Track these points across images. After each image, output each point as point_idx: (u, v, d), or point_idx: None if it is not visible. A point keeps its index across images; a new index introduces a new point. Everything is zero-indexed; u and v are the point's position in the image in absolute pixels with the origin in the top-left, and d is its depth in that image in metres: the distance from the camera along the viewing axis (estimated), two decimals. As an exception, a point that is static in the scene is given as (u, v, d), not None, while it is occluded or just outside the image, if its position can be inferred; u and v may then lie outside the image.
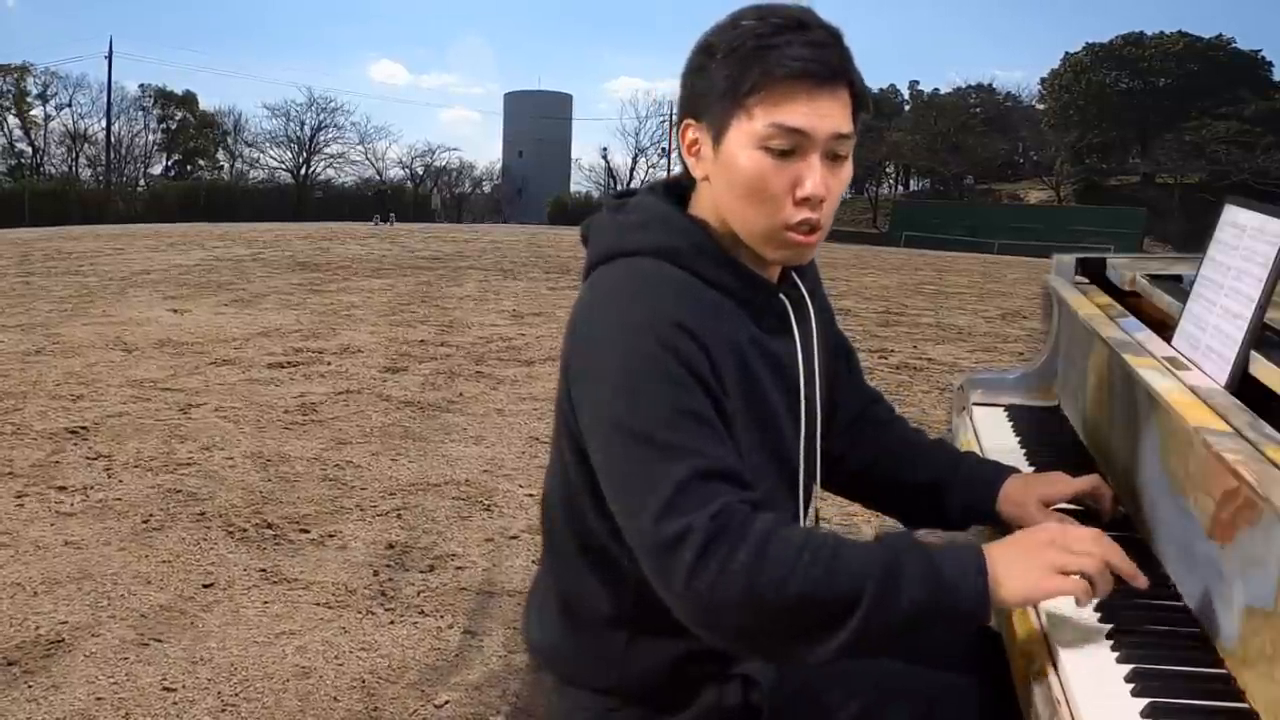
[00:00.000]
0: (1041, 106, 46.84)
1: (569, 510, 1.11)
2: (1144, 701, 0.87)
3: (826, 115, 1.02)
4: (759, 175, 1.03)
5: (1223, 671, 0.92)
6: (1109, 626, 1.00)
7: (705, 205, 1.11)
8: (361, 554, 3.10)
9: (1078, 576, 0.96)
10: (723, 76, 1.03)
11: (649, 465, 0.96)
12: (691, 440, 0.97)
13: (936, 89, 50.05)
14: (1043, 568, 0.96)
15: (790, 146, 1.02)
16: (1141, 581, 0.98)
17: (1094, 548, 0.97)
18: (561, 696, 1.16)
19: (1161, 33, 43.59)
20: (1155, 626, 1.00)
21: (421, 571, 2.98)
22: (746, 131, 1.03)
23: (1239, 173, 34.14)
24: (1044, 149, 45.23)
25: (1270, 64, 43.40)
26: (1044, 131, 45.03)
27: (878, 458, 1.32)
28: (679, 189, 1.16)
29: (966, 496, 1.26)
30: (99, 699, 2.19)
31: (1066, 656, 0.96)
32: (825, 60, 1.02)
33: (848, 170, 1.07)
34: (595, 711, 1.13)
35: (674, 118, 1.18)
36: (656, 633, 1.07)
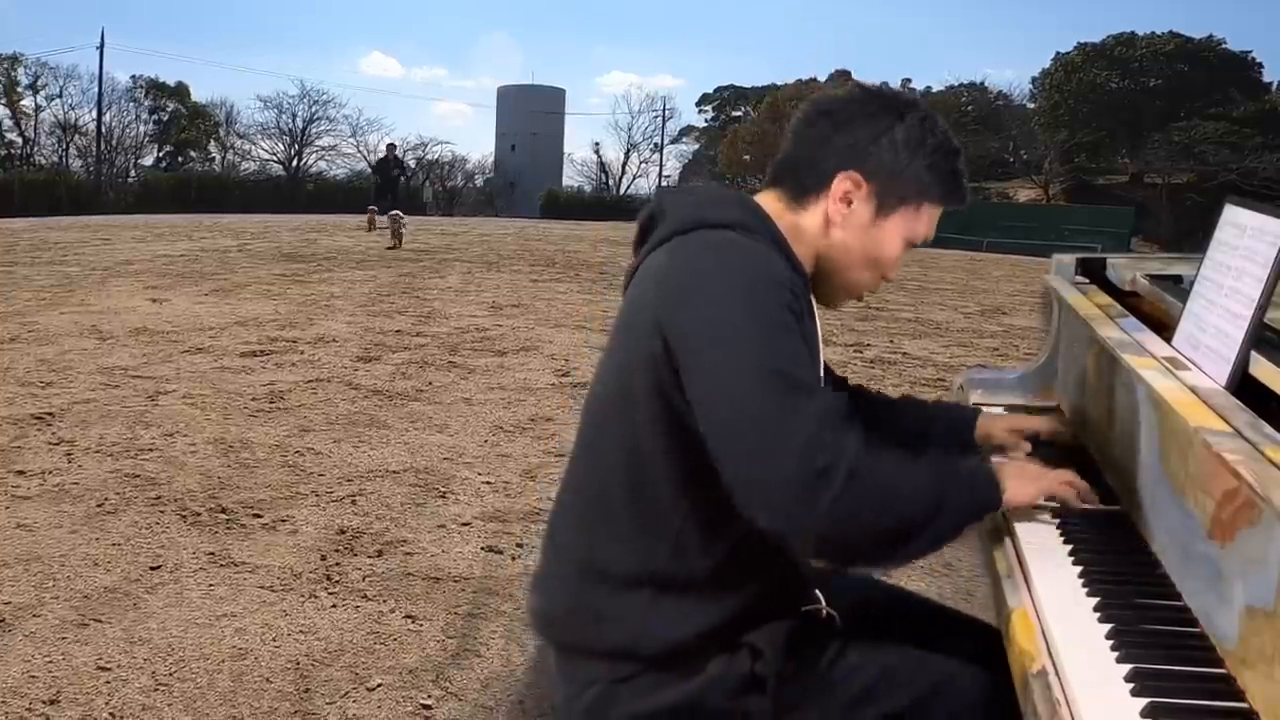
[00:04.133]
0: (1032, 105, 46.83)
1: (630, 467, 1.15)
2: (1144, 701, 0.87)
3: None
4: (892, 258, 1.25)
5: (1223, 671, 0.92)
6: (1109, 626, 1.00)
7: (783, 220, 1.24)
8: (311, 539, 3.12)
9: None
10: (919, 174, 1.22)
11: (787, 402, 1.01)
12: (818, 382, 1.09)
13: (929, 87, 49.98)
14: (1028, 477, 1.23)
15: (913, 246, 1.27)
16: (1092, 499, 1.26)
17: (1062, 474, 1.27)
18: (567, 668, 1.18)
19: (1153, 33, 43.57)
20: (1155, 626, 1.00)
21: (369, 557, 3.00)
22: (908, 224, 1.24)
23: (1227, 173, 34.14)
24: (1034, 148, 45.22)
25: (1261, 65, 43.46)
26: (1035, 130, 45.03)
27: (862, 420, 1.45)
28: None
29: (949, 439, 1.53)
30: (32, 677, 2.22)
31: (1066, 656, 0.96)
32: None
33: None
34: (604, 683, 1.14)
35: (822, 139, 1.25)
36: (680, 592, 1.13)
